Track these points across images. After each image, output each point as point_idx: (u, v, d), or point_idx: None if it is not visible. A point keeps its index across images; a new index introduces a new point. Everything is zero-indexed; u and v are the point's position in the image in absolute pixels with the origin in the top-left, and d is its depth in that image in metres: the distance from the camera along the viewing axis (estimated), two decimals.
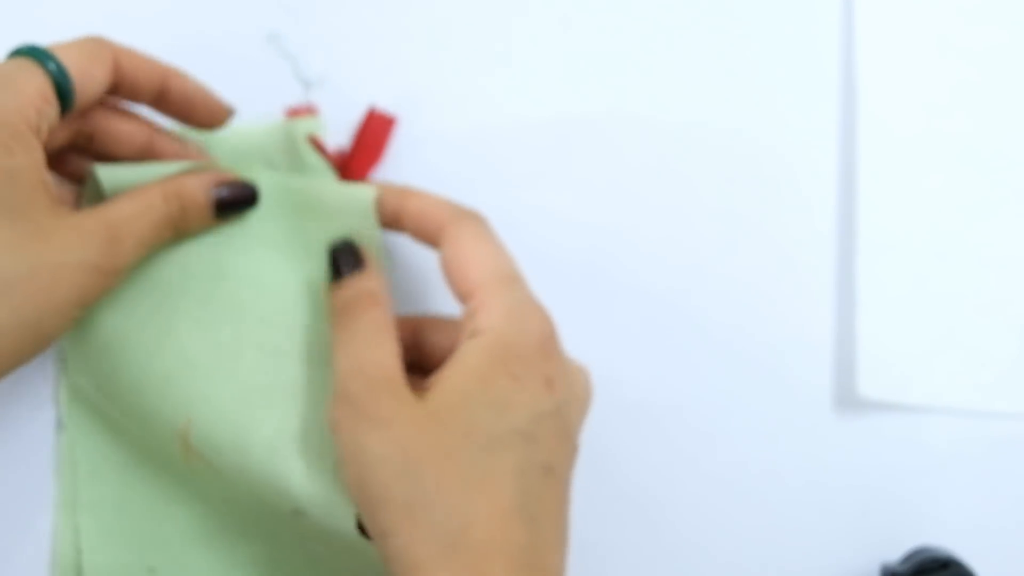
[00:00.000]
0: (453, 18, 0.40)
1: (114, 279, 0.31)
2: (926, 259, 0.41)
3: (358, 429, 0.29)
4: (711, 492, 0.40)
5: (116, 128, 0.34)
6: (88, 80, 0.31)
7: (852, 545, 0.40)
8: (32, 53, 0.30)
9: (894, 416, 0.41)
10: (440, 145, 0.39)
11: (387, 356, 0.31)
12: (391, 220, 0.34)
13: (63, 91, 0.30)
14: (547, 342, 0.31)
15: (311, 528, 0.33)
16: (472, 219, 0.33)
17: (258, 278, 0.35)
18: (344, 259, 0.33)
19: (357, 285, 0.33)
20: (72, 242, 0.29)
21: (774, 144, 0.42)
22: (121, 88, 0.33)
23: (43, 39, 0.31)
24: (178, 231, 0.33)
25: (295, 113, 0.37)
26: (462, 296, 0.32)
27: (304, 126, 0.36)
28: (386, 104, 0.39)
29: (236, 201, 0.34)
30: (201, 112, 0.35)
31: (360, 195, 0.34)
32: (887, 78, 0.42)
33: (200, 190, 0.33)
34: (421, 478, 0.28)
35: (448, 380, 0.30)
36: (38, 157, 0.29)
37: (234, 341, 0.34)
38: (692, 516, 0.40)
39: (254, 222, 0.35)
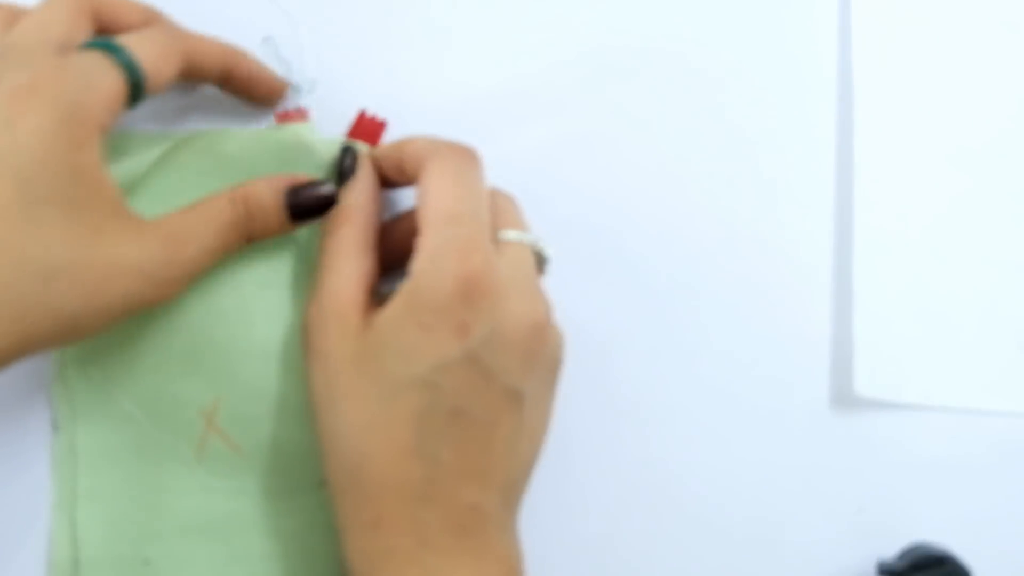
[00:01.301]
0: (447, 24, 0.40)
1: (168, 290, 0.31)
2: (922, 259, 0.42)
3: (306, 356, 0.32)
4: (708, 490, 0.40)
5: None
6: (158, 78, 0.32)
7: (848, 542, 0.40)
8: (109, 48, 0.30)
9: (890, 414, 0.41)
10: None
11: (341, 282, 0.32)
12: (396, 168, 0.35)
13: (134, 89, 0.31)
14: (464, 285, 0.30)
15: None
16: (445, 154, 0.33)
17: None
18: (341, 171, 0.35)
19: (341, 199, 0.34)
20: (127, 246, 0.29)
21: (771, 145, 0.42)
22: (188, 71, 0.33)
23: None
24: (248, 236, 0.33)
25: (285, 117, 0.37)
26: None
27: (294, 131, 0.36)
28: (378, 108, 0.38)
29: (309, 203, 0.33)
30: (262, 90, 0.35)
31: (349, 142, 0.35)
32: (883, 79, 0.42)
33: (268, 193, 0.33)
34: (337, 413, 0.31)
35: (376, 321, 0.31)
36: (101, 156, 0.30)
37: (239, 308, 0.35)
38: (689, 514, 0.40)
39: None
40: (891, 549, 0.40)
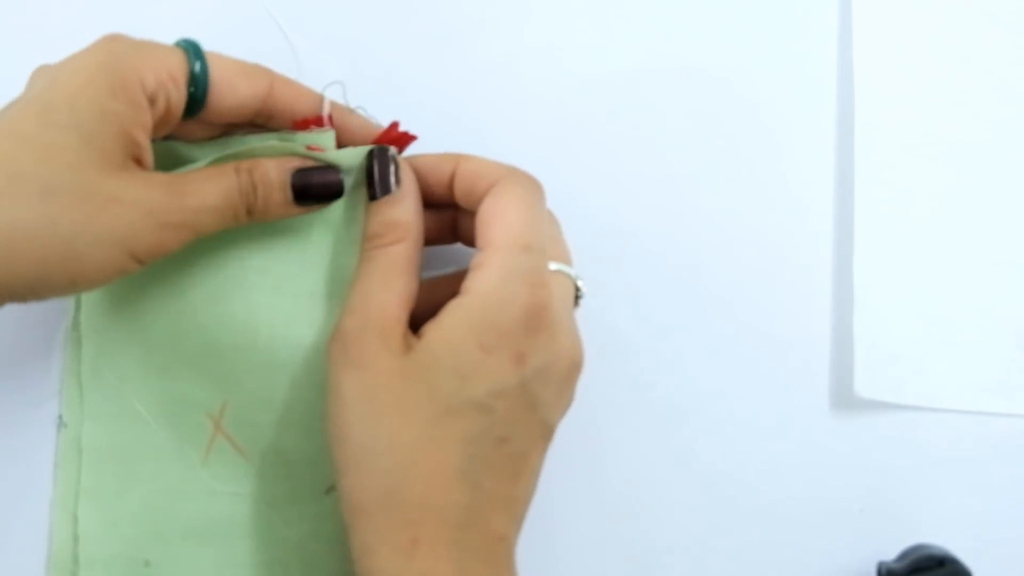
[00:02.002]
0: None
1: (169, 235, 0.30)
2: (922, 260, 0.42)
3: (341, 366, 0.31)
4: (709, 490, 0.40)
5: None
6: (228, 88, 0.32)
7: (849, 543, 0.40)
8: (186, 44, 0.32)
9: (890, 415, 0.41)
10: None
11: (392, 298, 0.31)
12: (443, 182, 0.34)
13: (197, 84, 0.31)
14: (530, 316, 0.30)
15: (338, 508, 0.34)
16: (523, 182, 0.33)
17: (265, 241, 0.35)
18: (380, 177, 0.34)
19: (385, 215, 0.33)
20: (131, 185, 0.29)
21: (771, 145, 0.42)
22: (277, 117, 0.34)
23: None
24: (251, 209, 0.32)
25: (303, 125, 0.35)
26: (477, 251, 0.32)
27: (313, 139, 0.35)
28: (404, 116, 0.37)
29: (315, 188, 0.33)
30: (360, 140, 0.35)
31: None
32: (883, 80, 0.42)
33: (274, 169, 0.32)
34: (377, 428, 0.30)
35: (426, 338, 0.31)
36: (139, 117, 0.30)
37: (246, 313, 0.34)
38: (690, 514, 0.40)
39: None
40: (891, 550, 0.40)
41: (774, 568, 0.40)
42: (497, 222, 0.32)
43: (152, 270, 0.34)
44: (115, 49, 0.30)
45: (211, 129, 0.34)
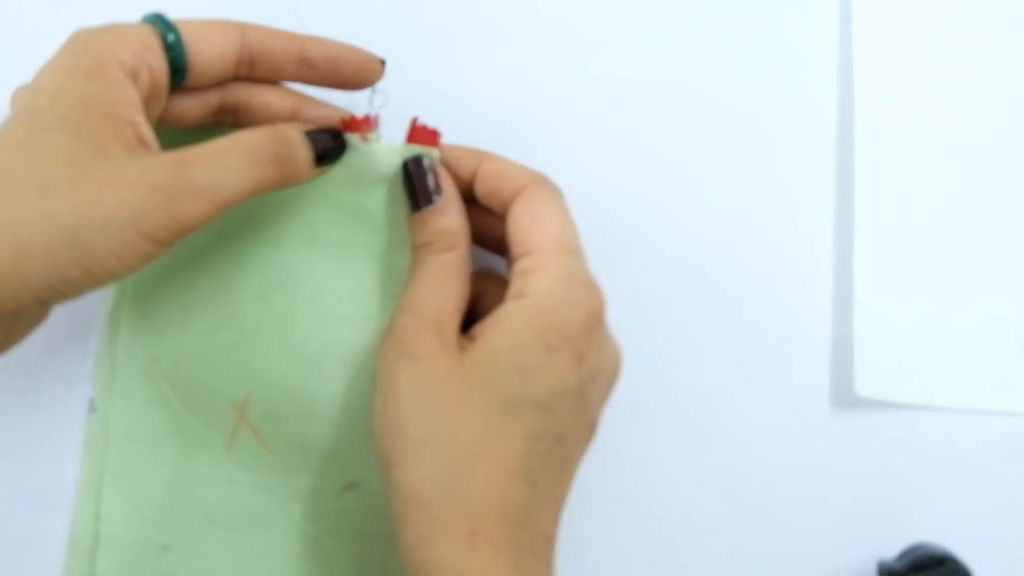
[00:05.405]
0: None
1: (184, 206, 0.29)
2: (922, 259, 0.42)
3: (395, 360, 0.31)
4: (709, 490, 0.40)
5: (259, 100, 0.34)
6: (205, 44, 0.32)
7: (849, 542, 0.40)
8: (152, 18, 0.31)
9: (890, 415, 0.41)
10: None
11: (446, 299, 0.32)
12: (464, 180, 0.34)
13: (173, 49, 0.31)
14: (590, 318, 0.31)
15: (357, 506, 0.35)
16: (551, 188, 0.34)
17: (315, 243, 0.35)
18: (420, 188, 0.34)
19: (434, 226, 0.33)
20: (131, 164, 0.29)
21: (771, 146, 0.42)
22: (258, 62, 0.33)
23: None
24: (282, 164, 0.31)
25: (351, 125, 0.35)
26: (519, 255, 0.33)
27: (356, 138, 0.35)
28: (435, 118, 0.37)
29: (325, 150, 0.33)
30: (349, 68, 0.34)
31: (421, 151, 0.34)
32: (884, 79, 0.42)
33: (293, 129, 0.32)
34: (437, 420, 0.30)
35: (485, 336, 0.31)
36: (123, 94, 0.30)
37: (288, 308, 0.35)
38: (690, 514, 0.40)
39: (311, 187, 0.35)
40: (891, 549, 0.40)
41: (774, 567, 0.40)
42: (538, 226, 0.32)
43: (202, 265, 0.35)
44: (83, 38, 0.30)
45: (204, 104, 0.34)
